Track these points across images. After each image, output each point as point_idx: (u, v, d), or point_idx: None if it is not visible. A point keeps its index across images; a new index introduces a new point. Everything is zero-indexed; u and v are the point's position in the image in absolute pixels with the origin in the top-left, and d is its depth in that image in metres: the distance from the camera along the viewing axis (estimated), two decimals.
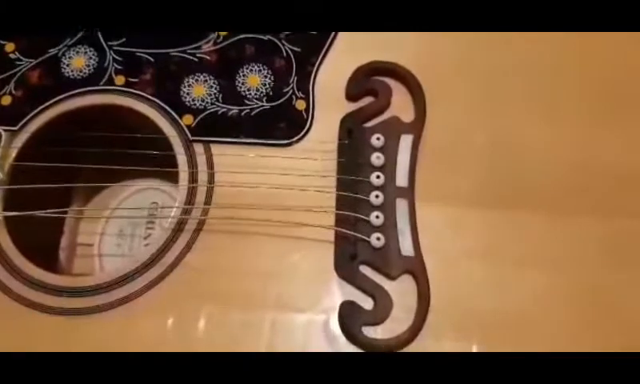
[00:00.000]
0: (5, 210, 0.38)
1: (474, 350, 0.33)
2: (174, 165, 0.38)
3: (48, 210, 0.38)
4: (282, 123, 0.39)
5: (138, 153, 0.38)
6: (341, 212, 0.35)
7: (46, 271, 0.36)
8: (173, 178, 0.39)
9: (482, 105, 0.38)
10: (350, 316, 0.33)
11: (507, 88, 0.39)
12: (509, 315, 0.34)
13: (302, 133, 0.38)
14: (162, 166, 0.39)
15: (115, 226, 0.47)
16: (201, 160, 0.38)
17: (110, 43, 0.42)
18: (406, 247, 0.35)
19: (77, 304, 0.35)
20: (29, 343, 0.33)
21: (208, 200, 0.37)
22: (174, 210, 0.37)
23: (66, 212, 0.43)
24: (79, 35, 0.42)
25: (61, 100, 0.40)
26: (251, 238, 0.36)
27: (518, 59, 0.39)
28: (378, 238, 0.35)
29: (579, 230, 0.35)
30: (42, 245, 0.43)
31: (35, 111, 0.40)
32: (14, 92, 0.40)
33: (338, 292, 0.34)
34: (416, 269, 0.34)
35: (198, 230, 0.36)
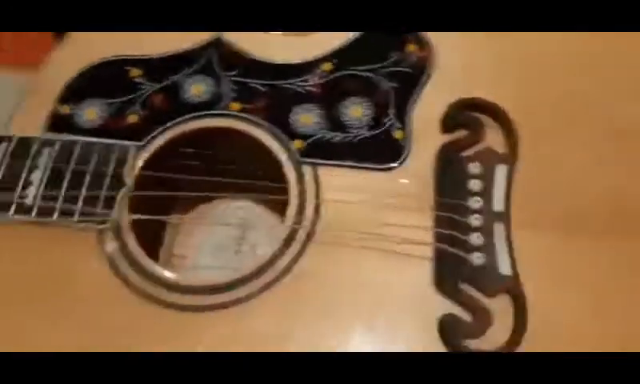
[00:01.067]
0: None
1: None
2: (281, 191, 0.42)
3: (171, 216, 0.42)
4: (382, 150, 0.42)
5: (251, 182, 0.42)
6: (441, 230, 0.38)
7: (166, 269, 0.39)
8: (270, 203, 0.42)
9: (568, 131, 0.41)
10: (450, 329, 0.36)
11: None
12: (608, 345, 0.35)
13: (401, 159, 0.42)
14: (270, 193, 0.43)
15: (211, 240, 0.51)
16: (309, 180, 0.42)
17: (225, 73, 0.47)
18: (505, 267, 0.37)
19: (194, 301, 0.38)
20: (142, 335, 0.36)
21: (315, 217, 0.40)
22: (286, 221, 0.40)
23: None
24: (195, 66, 0.47)
25: (182, 121, 0.45)
26: (354, 254, 0.38)
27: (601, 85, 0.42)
28: (478, 257, 0.37)
29: None
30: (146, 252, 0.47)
31: (159, 129, 0.45)
32: (140, 112, 0.46)
33: (439, 307, 0.36)
34: (514, 288, 0.36)
35: (306, 243, 0.40)
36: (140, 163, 0.44)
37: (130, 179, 0.43)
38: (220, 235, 0.51)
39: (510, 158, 0.41)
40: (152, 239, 0.46)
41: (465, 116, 0.42)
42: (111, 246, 0.40)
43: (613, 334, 0.36)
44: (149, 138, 0.45)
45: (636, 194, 0.39)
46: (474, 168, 0.40)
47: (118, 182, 0.42)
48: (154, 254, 0.48)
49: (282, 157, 0.43)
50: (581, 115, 0.42)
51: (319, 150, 0.43)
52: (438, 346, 0.35)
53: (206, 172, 0.45)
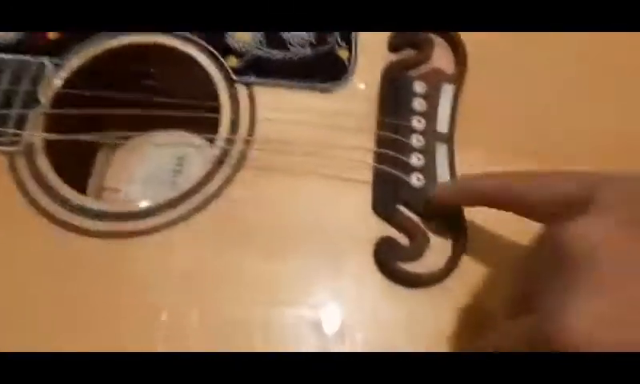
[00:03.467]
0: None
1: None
2: (215, 110, 0.39)
3: (84, 135, 0.38)
4: (325, 69, 0.39)
5: (181, 103, 0.39)
6: (381, 150, 0.36)
7: (85, 195, 0.36)
8: (207, 131, 0.39)
9: (527, 63, 0.39)
10: (386, 252, 0.34)
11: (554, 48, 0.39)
12: None
13: (344, 78, 0.39)
14: (202, 111, 0.40)
15: (144, 172, 0.47)
16: (244, 101, 0.39)
17: None
18: None
19: (116, 227, 0.35)
20: (68, 266, 0.34)
21: (249, 139, 0.37)
22: (216, 143, 0.37)
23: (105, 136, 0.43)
24: None
25: (108, 36, 0.41)
26: (290, 176, 0.36)
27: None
28: (418, 178, 0.35)
29: None
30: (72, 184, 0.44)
31: (80, 46, 0.41)
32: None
33: (375, 229, 0.35)
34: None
35: (239, 164, 0.37)
36: (58, 82, 0.39)
37: (44, 98, 0.39)
38: (154, 167, 0.47)
39: (458, 78, 0.38)
40: (76, 167, 0.43)
41: (413, 34, 0.40)
42: (21, 167, 0.36)
43: None
44: (69, 54, 0.40)
45: (590, 120, 0.37)
46: (420, 87, 0.38)
47: (31, 100, 0.38)
48: (80, 186, 0.45)
49: (215, 75, 0.39)
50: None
51: (256, 68, 0.40)
52: (373, 270, 0.34)
53: (134, 93, 0.41)
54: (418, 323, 0.32)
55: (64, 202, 0.36)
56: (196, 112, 0.39)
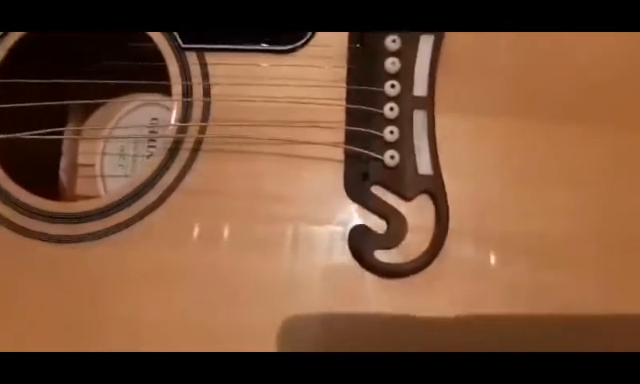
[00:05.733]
0: None
1: (495, 274, 0.31)
2: (168, 77, 0.35)
3: (35, 132, 0.35)
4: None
5: (129, 65, 0.35)
6: (351, 128, 0.32)
7: (38, 196, 0.34)
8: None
9: None
10: (361, 240, 0.31)
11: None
12: (531, 236, 0.31)
13: (308, 36, 0.34)
14: (157, 79, 0.36)
15: (116, 145, 0.45)
16: (195, 70, 0.34)
17: None
18: (424, 165, 0.31)
19: (71, 231, 0.33)
20: (21, 272, 0.32)
21: (205, 116, 0.34)
22: (169, 127, 0.34)
23: (57, 133, 0.40)
24: None
25: None
26: (253, 157, 0.33)
27: None
28: (392, 156, 0.31)
29: (614, 143, 0.32)
30: (42, 168, 0.41)
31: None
32: None
33: (349, 215, 0.32)
34: (434, 188, 0.31)
35: (195, 149, 0.33)
36: None
37: None
38: (125, 140, 0.44)
39: None
40: (38, 156, 0.40)
41: None
42: None
43: (538, 230, 0.31)
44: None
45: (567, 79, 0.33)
46: (392, 43, 0.32)
47: None
48: (51, 168, 0.43)
49: (161, 43, 0.35)
50: None
51: (207, 32, 0.34)
52: (350, 261, 0.31)
53: (84, 73, 0.37)
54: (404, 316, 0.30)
55: (18, 206, 0.34)
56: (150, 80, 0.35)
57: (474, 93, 0.32)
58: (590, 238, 0.31)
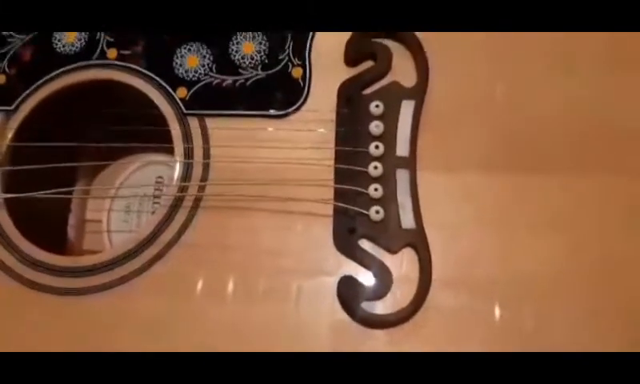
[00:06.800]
0: (5, 191, 0.38)
1: (480, 320, 0.32)
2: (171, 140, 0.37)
3: (47, 191, 0.37)
4: (278, 93, 0.37)
5: (136, 129, 0.38)
6: (339, 186, 0.34)
7: (46, 251, 0.36)
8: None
9: (487, 66, 0.36)
10: (348, 292, 0.32)
11: (515, 47, 0.36)
12: (515, 281, 0.32)
13: (299, 103, 0.37)
14: (162, 142, 0.39)
15: (122, 202, 0.47)
16: (196, 134, 0.37)
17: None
18: (407, 220, 0.33)
19: (75, 284, 0.35)
20: (28, 323, 0.34)
21: (204, 176, 0.36)
22: (171, 186, 0.36)
23: (67, 192, 0.43)
24: None
25: (55, 76, 0.39)
26: (248, 214, 0.35)
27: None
28: (377, 211, 0.33)
29: (599, 190, 0.33)
30: (50, 223, 0.44)
31: (30, 89, 0.39)
32: (7, 70, 0.40)
33: (337, 267, 0.33)
34: (417, 241, 0.33)
35: (195, 207, 0.36)
36: (9, 133, 0.39)
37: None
38: (131, 198, 0.47)
39: (419, 91, 0.35)
40: (47, 212, 0.42)
41: (371, 44, 0.37)
42: None
43: (525, 278, 0.32)
44: (18, 100, 0.39)
45: (549, 129, 0.34)
46: (376, 108, 0.35)
47: None
48: (60, 224, 0.45)
49: (165, 109, 0.38)
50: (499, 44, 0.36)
51: (206, 98, 0.38)
52: (340, 312, 0.33)
53: (93, 136, 0.40)
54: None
55: (24, 258, 0.36)
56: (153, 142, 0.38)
57: (454, 149, 0.34)
58: (575, 280, 0.32)
